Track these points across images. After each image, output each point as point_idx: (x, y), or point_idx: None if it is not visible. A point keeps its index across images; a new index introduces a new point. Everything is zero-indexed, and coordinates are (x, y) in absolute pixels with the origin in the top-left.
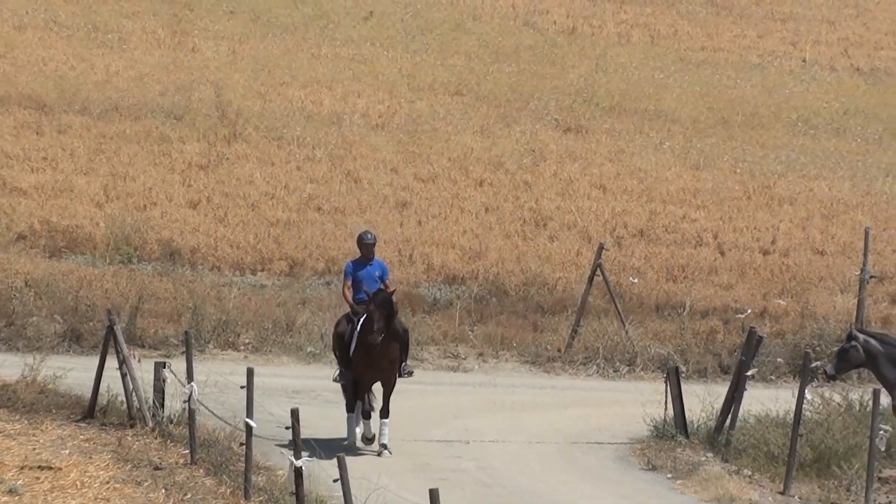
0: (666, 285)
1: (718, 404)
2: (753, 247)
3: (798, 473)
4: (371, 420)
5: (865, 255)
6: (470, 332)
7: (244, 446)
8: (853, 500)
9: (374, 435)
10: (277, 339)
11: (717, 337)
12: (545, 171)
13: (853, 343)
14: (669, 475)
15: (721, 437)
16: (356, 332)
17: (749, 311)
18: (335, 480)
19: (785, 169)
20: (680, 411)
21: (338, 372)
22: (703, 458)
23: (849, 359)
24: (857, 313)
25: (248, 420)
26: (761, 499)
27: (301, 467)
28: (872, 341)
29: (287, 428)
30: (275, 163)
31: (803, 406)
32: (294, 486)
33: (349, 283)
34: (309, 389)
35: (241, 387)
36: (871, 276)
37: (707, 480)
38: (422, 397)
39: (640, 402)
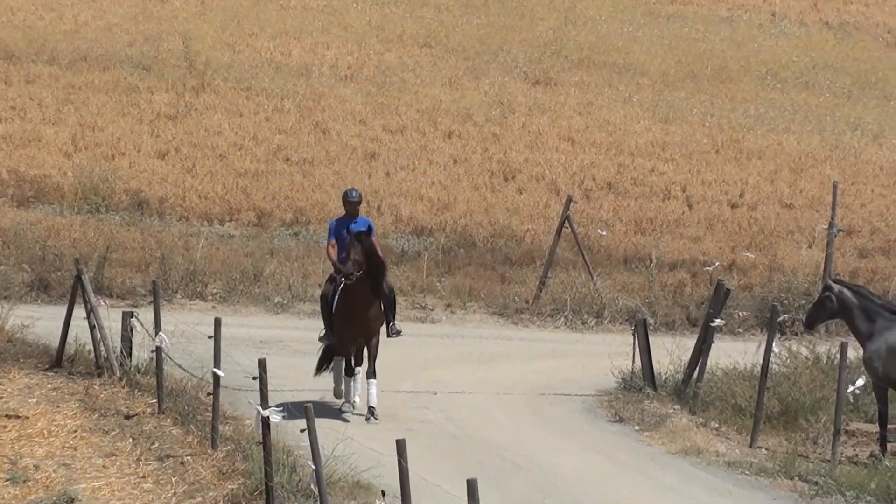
0: (634, 238)
1: (686, 357)
2: (722, 200)
3: (765, 426)
4: (355, 381)
5: (833, 208)
6: (438, 284)
7: (211, 396)
8: (820, 453)
9: (354, 401)
10: (245, 289)
11: (684, 289)
12: (514, 124)
13: (828, 293)
14: (637, 427)
15: (688, 389)
16: (339, 291)
17: (717, 263)
18: (302, 430)
19: (753, 122)
20: (647, 363)
21: (323, 332)
22: (671, 411)
23: (824, 308)
24: (825, 267)
25: (215, 370)
26: (728, 451)
27: (268, 417)
28: (847, 292)
29: (254, 378)
30: (243, 114)
31: (771, 359)
32: (261, 436)
33: (333, 241)
34: (276, 339)
35: (209, 337)
36: (839, 230)
37: (674, 433)
38: (389, 348)
39: (608, 354)
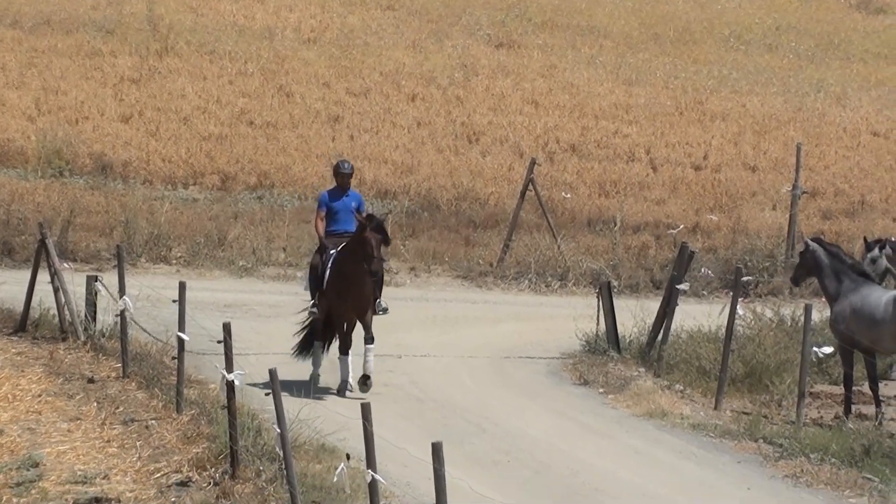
0: (598, 200)
1: (650, 319)
2: (685, 162)
3: (730, 388)
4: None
5: (797, 170)
6: (402, 247)
7: (176, 360)
8: (784, 415)
9: (349, 381)
10: (209, 253)
11: (649, 252)
12: (477, 87)
13: (805, 250)
14: (601, 390)
15: (653, 352)
16: (329, 265)
17: (681, 226)
18: (267, 394)
19: (717, 84)
20: (612, 326)
21: (312, 305)
22: (635, 373)
23: (804, 265)
24: (789, 229)
25: (180, 334)
26: (693, 413)
27: (233, 381)
28: (820, 251)
29: (219, 342)
30: (207, 77)
31: (735, 321)
32: (226, 400)
33: (322, 214)
34: (241, 303)
35: (173, 301)
36: (803, 192)
37: (639, 395)
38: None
39: (572, 316)
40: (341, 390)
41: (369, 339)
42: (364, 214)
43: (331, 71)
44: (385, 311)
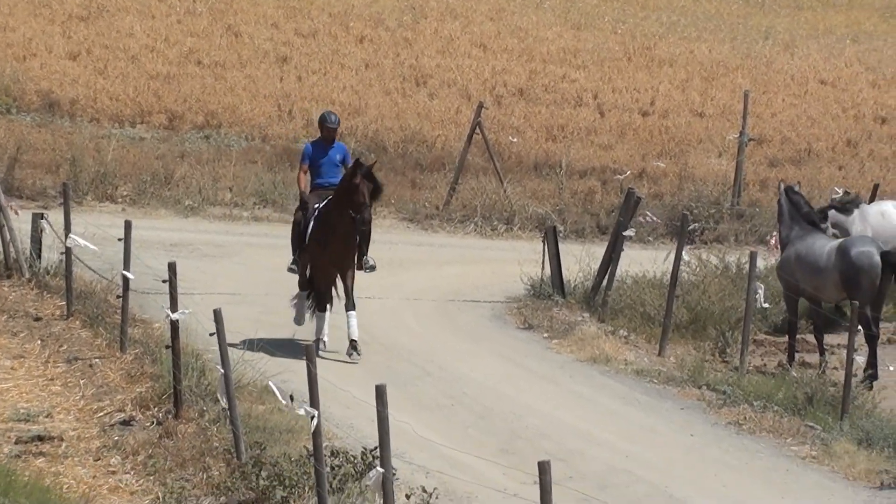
0: (545, 145)
1: (595, 264)
2: (633, 108)
3: (674, 335)
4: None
5: (744, 117)
6: None
7: (121, 299)
8: (728, 362)
9: (324, 339)
10: (156, 191)
11: (595, 197)
12: (426, 29)
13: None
14: (546, 334)
15: (598, 297)
16: (312, 220)
17: (628, 171)
18: (211, 334)
19: (665, 30)
20: (557, 271)
21: (292, 260)
22: (580, 318)
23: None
24: (735, 176)
25: (125, 273)
26: (637, 359)
27: (177, 320)
28: (783, 197)
29: (164, 281)
30: (155, 16)
31: (680, 268)
32: (170, 340)
33: (306, 166)
34: (187, 243)
35: (119, 239)
36: (750, 139)
37: (583, 340)
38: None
39: (518, 261)
40: (318, 349)
41: (350, 305)
42: (344, 168)
43: (279, 11)
44: (373, 268)
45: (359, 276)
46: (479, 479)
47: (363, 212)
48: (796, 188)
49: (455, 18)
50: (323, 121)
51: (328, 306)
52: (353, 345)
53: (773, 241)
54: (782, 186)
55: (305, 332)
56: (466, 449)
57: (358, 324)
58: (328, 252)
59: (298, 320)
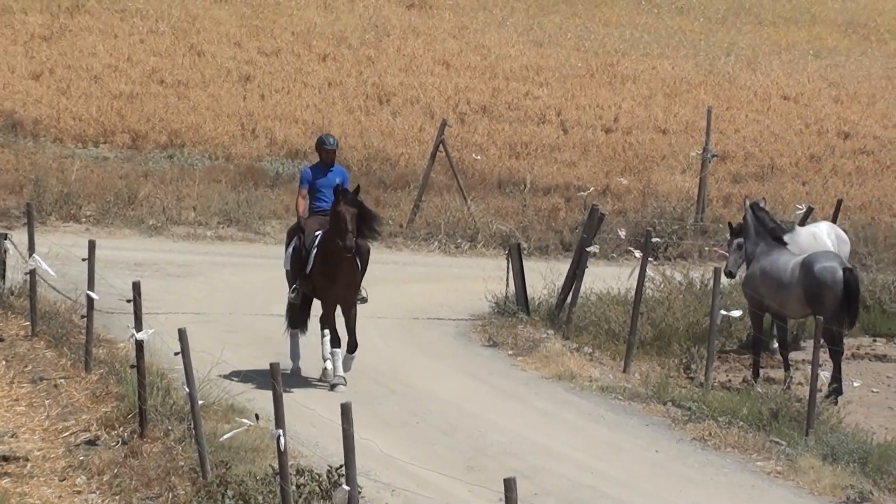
0: (508, 162)
1: (560, 281)
2: (596, 125)
3: (639, 351)
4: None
5: (707, 133)
6: None
7: (85, 318)
8: (693, 378)
9: (324, 367)
10: (119, 211)
11: (559, 214)
12: (388, 47)
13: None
14: (510, 352)
15: (562, 314)
16: (314, 247)
17: (591, 188)
18: (176, 353)
19: (628, 47)
20: (521, 288)
21: (292, 289)
22: (544, 335)
23: (740, 257)
24: (699, 192)
25: (89, 293)
26: (602, 376)
27: (142, 340)
28: (748, 213)
29: (128, 301)
30: (118, 35)
31: (644, 284)
32: (135, 359)
33: (304, 191)
34: (151, 262)
35: (83, 259)
36: (713, 155)
37: (548, 357)
38: (263, 271)
39: (482, 278)
40: (335, 384)
41: (352, 345)
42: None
43: (242, 30)
44: (363, 300)
45: None
46: (445, 496)
47: (346, 239)
48: (762, 204)
49: (418, 36)
50: (321, 143)
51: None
52: (342, 378)
53: (720, 252)
54: (748, 203)
55: (269, 347)
56: (432, 466)
57: (318, 340)
58: (335, 279)
59: (294, 358)
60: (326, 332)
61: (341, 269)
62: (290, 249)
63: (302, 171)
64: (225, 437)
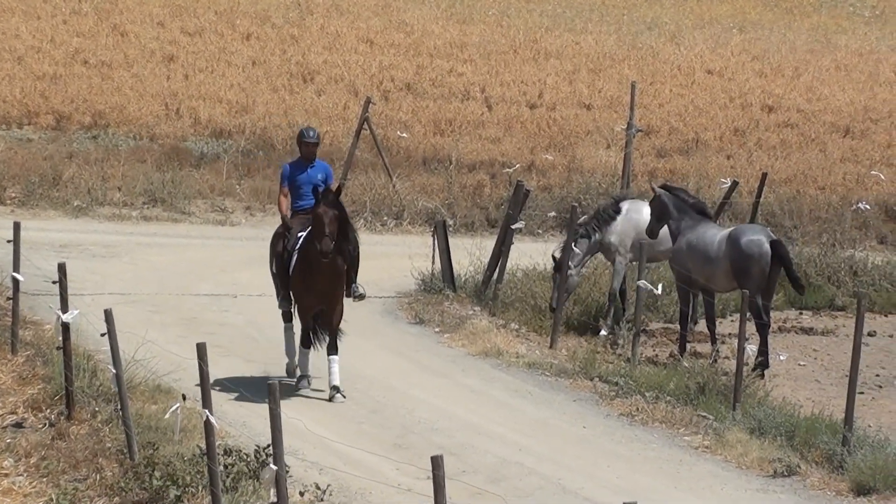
0: (433, 139)
1: (486, 258)
2: (520, 101)
3: (565, 327)
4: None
5: (632, 109)
6: (237, 186)
7: (11, 301)
8: (619, 354)
9: (309, 377)
10: (44, 192)
11: (484, 191)
12: (312, 25)
13: (652, 199)
14: (437, 329)
15: (488, 290)
16: (297, 248)
17: (517, 164)
18: (102, 335)
19: (551, 22)
20: (447, 265)
21: (281, 298)
22: (471, 312)
23: (654, 214)
24: (624, 167)
25: (14, 274)
26: (528, 352)
27: (68, 322)
28: (665, 195)
29: (54, 282)
30: (41, 16)
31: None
32: (61, 341)
33: (286, 189)
34: (76, 243)
35: (8, 241)
36: (638, 130)
37: (474, 334)
38: (189, 251)
39: (408, 255)
40: (301, 387)
41: (333, 348)
42: (321, 189)
43: (165, 10)
44: (361, 297)
45: (248, 274)
46: (373, 474)
47: (322, 243)
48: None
49: (341, 14)
50: (301, 137)
51: (315, 344)
52: (335, 388)
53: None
54: (657, 186)
55: (195, 326)
56: (359, 445)
57: (246, 320)
58: (315, 285)
59: (290, 355)
60: (306, 351)
61: (319, 275)
62: (272, 253)
63: (282, 169)
64: (169, 413)
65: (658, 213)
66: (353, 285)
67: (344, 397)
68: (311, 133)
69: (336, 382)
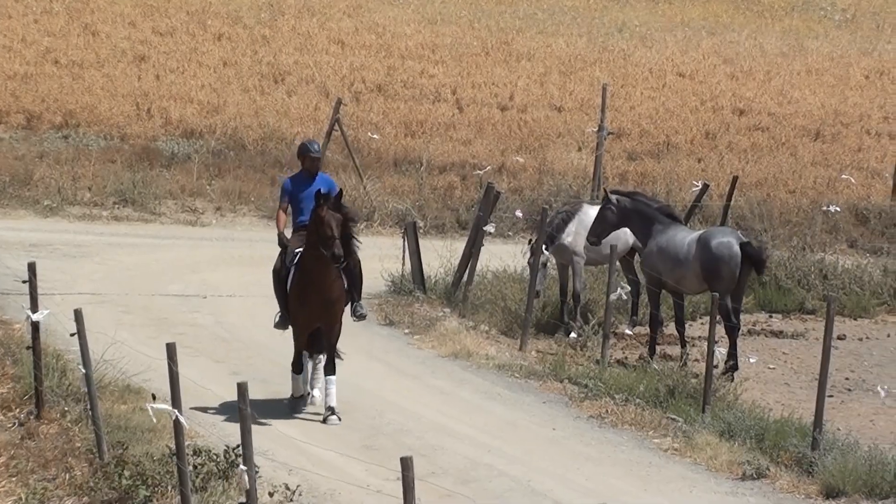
0: (404, 140)
1: (456, 260)
2: (492, 102)
3: (534, 329)
4: (312, 374)
5: (603, 111)
6: (208, 187)
7: None
8: (590, 356)
9: (312, 394)
10: (15, 192)
11: (454, 192)
12: (283, 26)
13: (608, 205)
14: (407, 330)
15: (459, 292)
16: (294, 265)
17: (487, 166)
18: (72, 334)
19: (522, 25)
20: (417, 267)
21: (278, 316)
22: (441, 314)
23: (606, 220)
24: (595, 169)
25: None
26: (498, 354)
27: (38, 321)
28: (625, 200)
29: (24, 282)
30: (12, 15)
31: (540, 262)
32: (31, 340)
33: (285, 204)
34: (46, 243)
35: None
36: (609, 133)
37: (444, 336)
38: (159, 251)
39: (378, 257)
40: (298, 408)
41: (330, 369)
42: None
43: (136, 10)
44: (363, 317)
45: (218, 274)
46: (342, 475)
47: (333, 247)
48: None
49: (312, 15)
50: (304, 150)
51: (310, 363)
52: (330, 410)
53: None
54: (611, 195)
55: (165, 326)
56: (329, 446)
57: (216, 320)
58: (311, 302)
59: (299, 387)
60: (297, 376)
61: (320, 290)
62: (273, 270)
63: (282, 183)
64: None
65: (615, 220)
66: (356, 304)
67: (339, 419)
68: (315, 146)
69: (332, 403)
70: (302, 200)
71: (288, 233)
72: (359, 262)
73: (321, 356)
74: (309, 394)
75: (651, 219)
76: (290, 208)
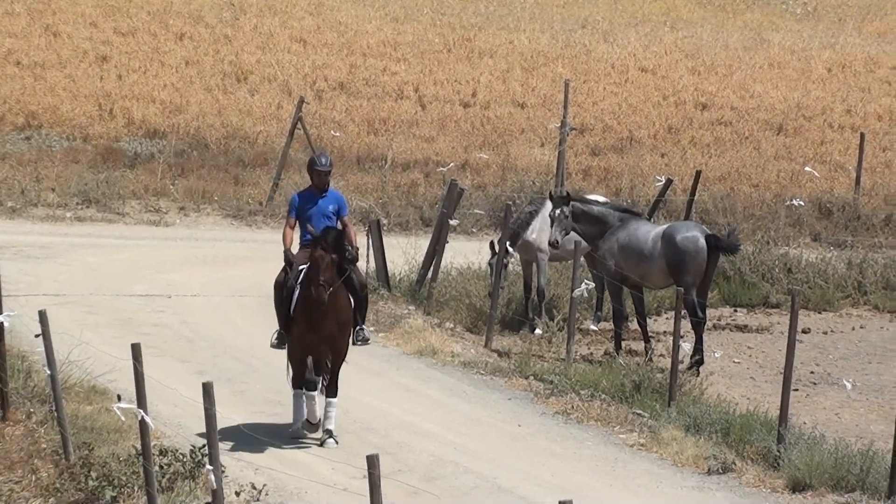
0: (367, 138)
1: (420, 257)
2: (454, 99)
3: (500, 326)
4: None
5: (565, 107)
6: (171, 186)
7: None
8: (555, 352)
9: (319, 419)
10: None
11: (418, 190)
12: (245, 25)
13: (560, 211)
14: (372, 328)
15: (423, 289)
16: (298, 285)
17: (451, 163)
18: (37, 336)
19: (484, 21)
20: (382, 264)
21: (276, 334)
22: (406, 311)
23: (562, 225)
24: (558, 165)
25: None
26: (463, 351)
27: (2, 323)
28: (577, 204)
29: None
30: None
31: (505, 259)
32: None
33: (293, 220)
34: (10, 245)
35: None
36: (572, 129)
37: (409, 333)
38: (123, 252)
39: None
40: (297, 436)
41: (333, 390)
42: (341, 223)
43: (98, 10)
44: (366, 341)
45: (182, 274)
46: (309, 474)
47: (317, 291)
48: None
49: (274, 14)
50: (312, 165)
51: (319, 384)
52: (328, 433)
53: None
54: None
55: (130, 327)
56: (295, 444)
57: (181, 320)
58: (318, 328)
59: (296, 427)
60: (299, 392)
61: (328, 315)
62: (275, 284)
63: (291, 198)
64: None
65: (570, 224)
66: (359, 329)
67: (336, 443)
68: (325, 161)
69: (330, 427)
70: (310, 217)
71: (295, 248)
72: (365, 285)
73: (316, 386)
74: (311, 421)
75: (603, 217)
76: (297, 224)
